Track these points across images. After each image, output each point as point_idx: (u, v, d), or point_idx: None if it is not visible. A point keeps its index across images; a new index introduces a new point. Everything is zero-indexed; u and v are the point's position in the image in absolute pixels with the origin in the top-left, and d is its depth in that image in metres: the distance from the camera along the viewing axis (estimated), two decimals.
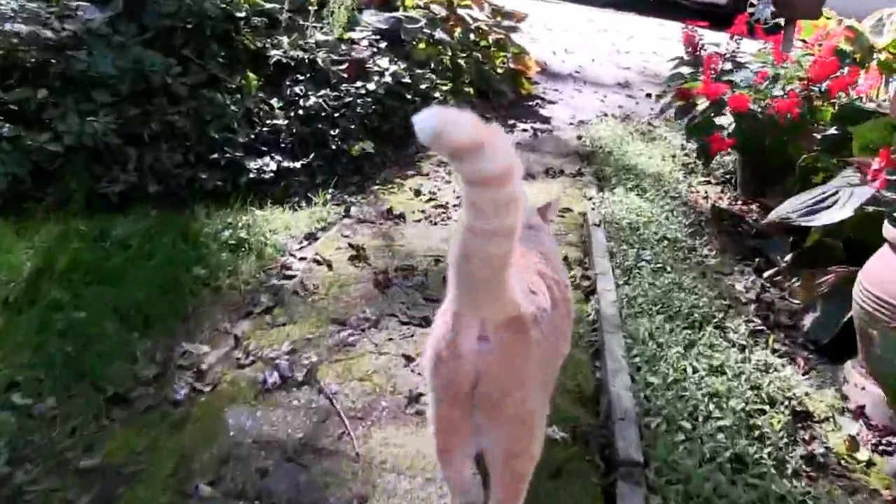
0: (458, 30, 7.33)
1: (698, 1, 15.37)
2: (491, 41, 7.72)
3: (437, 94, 6.20)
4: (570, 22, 12.71)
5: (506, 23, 7.92)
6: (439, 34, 6.83)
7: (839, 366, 3.24)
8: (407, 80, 5.78)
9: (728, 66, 5.16)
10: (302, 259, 3.89)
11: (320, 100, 5.11)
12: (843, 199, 3.41)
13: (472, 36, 7.38)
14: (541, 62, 9.08)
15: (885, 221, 2.96)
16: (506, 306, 1.58)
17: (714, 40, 6.51)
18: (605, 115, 7.43)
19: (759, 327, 3.48)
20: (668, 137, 6.50)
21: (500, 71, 7.45)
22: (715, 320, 3.41)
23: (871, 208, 3.24)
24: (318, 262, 3.83)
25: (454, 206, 4.71)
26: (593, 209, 4.70)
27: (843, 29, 5.54)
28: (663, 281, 3.70)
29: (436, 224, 4.44)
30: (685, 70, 5.43)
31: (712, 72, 4.93)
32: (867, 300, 2.92)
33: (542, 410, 1.79)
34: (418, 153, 5.73)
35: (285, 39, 5.48)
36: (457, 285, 1.54)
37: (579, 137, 6.56)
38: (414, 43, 6.75)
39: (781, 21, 5.88)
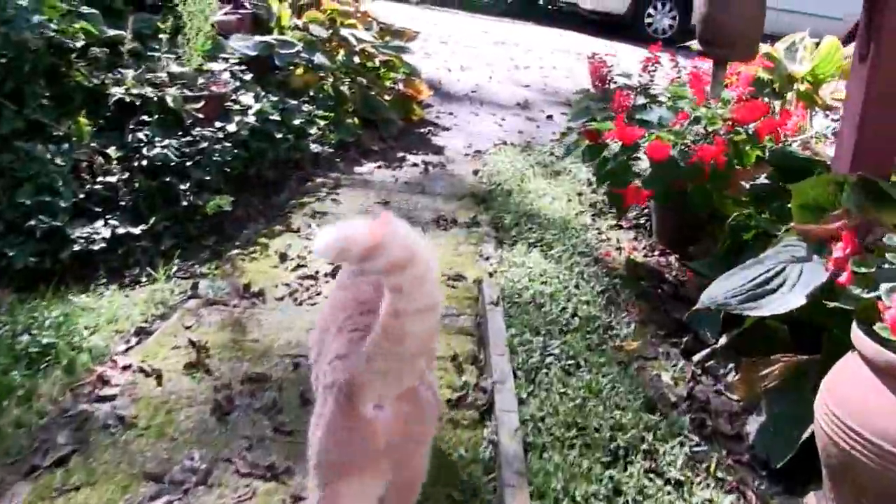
0: (342, 53, 6.49)
1: (595, 10, 14.88)
2: (378, 63, 6.90)
3: (313, 130, 5.34)
4: (467, 34, 11.98)
5: (395, 42, 7.09)
6: (319, 59, 5.98)
7: (798, 499, 2.54)
8: (276, 117, 4.90)
9: (640, 99, 4.42)
10: (126, 368, 2.97)
11: (165, 149, 4.18)
12: (791, 278, 2.73)
13: (356, 59, 6.54)
14: (435, 81, 8.33)
15: (855, 327, 2.25)
16: (414, 378, 1.63)
17: (613, 51, 5.83)
18: (505, 142, 6.68)
19: (696, 447, 2.73)
20: (572, 171, 5.77)
21: (388, 97, 6.62)
22: (644, 445, 2.65)
23: (831, 304, 2.53)
24: (146, 373, 2.95)
25: (326, 275, 3.88)
26: (491, 275, 3.92)
27: (760, 57, 4.90)
28: (577, 385, 2.93)
29: (301, 304, 3.60)
30: (593, 104, 4.67)
31: (624, 109, 4.19)
32: (840, 432, 2.18)
33: (426, 456, 1.84)
34: (290, 200, 4.87)
35: (130, 73, 4.55)
36: (376, 367, 1.56)
37: (475, 173, 5.79)
38: (292, 69, 5.89)
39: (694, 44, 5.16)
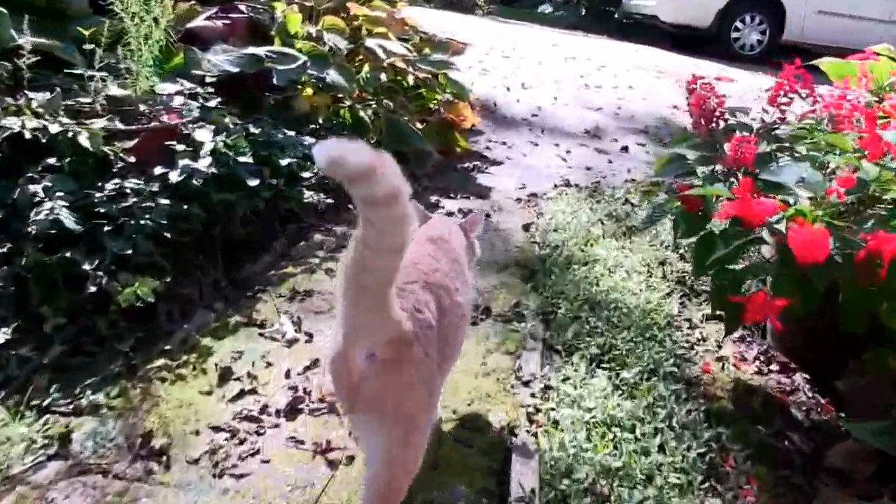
0: (366, 69, 5.11)
1: (677, 24, 13.30)
2: (413, 82, 5.50)
3: (307, 173, 3.92)
4: (533, 48, 10.50)
5: (436, 56, 5.67)
6: (333, 76, 4.60)
7: None
8: (248, 157, 3.48)
9: (763, 145, 2.86)
10: None
11: (54, 211, 2.78)
12: None
13: (384, 76, 5.14)
14: (490, 102, 6.92)
15: None
16: (387, 323, 1.66)
17: (702, 69, 4.30)
18: (568, 183, 5.22)
19: None
20: (653, 228, 4.27)
21: (421, 125, 5.18)
22: None
23: None
24: None
25: (279, 412, 2.49)
26: (531, 420, 2.49)
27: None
28: None
29: (222, 474, 2.19)
30: (691, 151, 3.11)
31: (744, 165, 2.65)
32: None
33: (422, 416, 1.84)
34: (268, 272, 3.49)
35: (38, 97, 3.21)
36: (345, 302, 1.63)
37: (527, 228, 4.33)
38: (299, 89, 4.53)
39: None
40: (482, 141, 6.04)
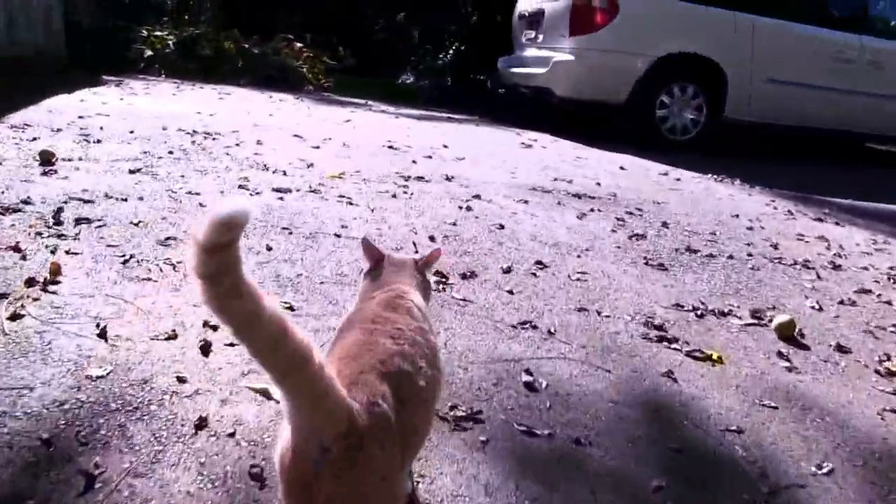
0: None
1: (576, 99, 8.19)
2: None
3: None
4: (374, 167, 4.98)
5: None
6: None
7: None
8: None
9: None
10: None
11: None
12: None
13: None
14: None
15: None
16: (334, 410, 1.18)
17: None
18: None
19: None
20: None
21: None
22: None
23: None
24: None
25: None
26: None
27: None
28: None
29: None
30: None
31: None
32: None
33: None
34: None
35: None
36: (277, 386, 1.17)
37: None
38: None
39: None
40: None
